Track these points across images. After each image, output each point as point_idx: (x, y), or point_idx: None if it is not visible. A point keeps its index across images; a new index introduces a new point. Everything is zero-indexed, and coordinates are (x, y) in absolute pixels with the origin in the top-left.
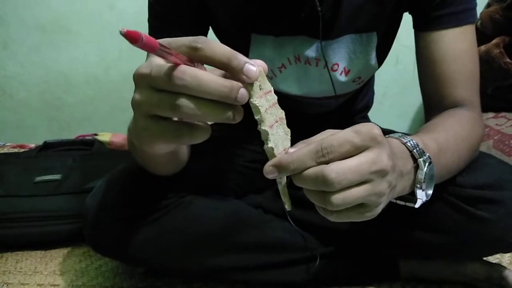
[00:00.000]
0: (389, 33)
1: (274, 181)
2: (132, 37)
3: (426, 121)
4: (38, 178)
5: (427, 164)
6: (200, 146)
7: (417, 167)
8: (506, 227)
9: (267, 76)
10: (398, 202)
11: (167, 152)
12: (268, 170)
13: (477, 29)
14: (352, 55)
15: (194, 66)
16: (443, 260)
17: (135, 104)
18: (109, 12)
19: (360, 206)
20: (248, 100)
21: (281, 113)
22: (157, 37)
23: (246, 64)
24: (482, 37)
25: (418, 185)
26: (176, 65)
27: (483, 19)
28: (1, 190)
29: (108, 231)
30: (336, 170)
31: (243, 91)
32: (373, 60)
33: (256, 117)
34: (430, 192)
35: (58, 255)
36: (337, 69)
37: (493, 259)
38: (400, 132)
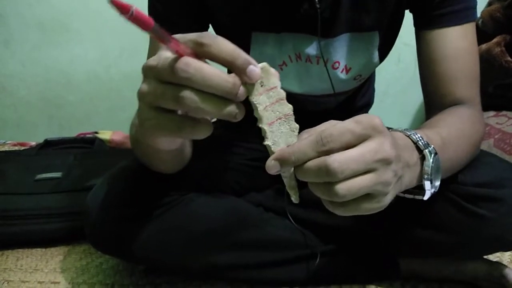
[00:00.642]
0: (391, 32)
1: (274, 180)
2: (121, 8)
3: (426, 119)
4: (39, 176)
5: (432, 155)
6: (201, 144)
7: (422, 158)
8: (507, 225)
9: None
10: (407, 196)
11: (171, 149)
12: (270, 164)
13: (478, 27)
14: (353, 53)
15: None
16: (443, 259)
17: (140, 94)
18: (110, 10)
19: (367, 197)
20: (247, 97)
21: (288, 110)
22: None
23: (250, 66)
24: (483, 36)
25: (426, 176)
26: (177, 53)
27: (484, 17)
28: (1, 188)
29: (111, 230)
30: (339, 159)
31: (242, 88)
32: (375, 58)
33: (255, 114)
34: (437, 183)
35: (58, 252)
36: (338, 67)
37: (493, 257)
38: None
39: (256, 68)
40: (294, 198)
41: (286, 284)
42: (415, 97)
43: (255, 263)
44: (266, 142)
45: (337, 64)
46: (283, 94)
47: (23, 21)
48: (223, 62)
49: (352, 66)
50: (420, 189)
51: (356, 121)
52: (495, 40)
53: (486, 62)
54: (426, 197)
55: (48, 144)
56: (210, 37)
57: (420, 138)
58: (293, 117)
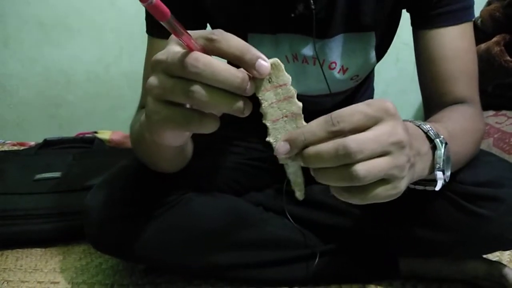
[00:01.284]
0: (388, 31)
1: (274, 179)
2: None
3: (425, 118)
4: (38, 176)
5: (444, 144)
6: (201, 144)
7: (433, 148)
8: (506, 224)
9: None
10: (417, 187)
11: (175, 146)
12: (279, 146)
13: (477, 27)
14: (350, 53)
15: None
16: (443, 258)
17: (148, 87)
18: (110, 9)
19: (383, 182)
20: (255, 93)
21: (297, 109)
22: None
23: (259, 60)
24: (482, 35)
25: (438, 166)
26: (188, 48)
27: (483, 17)
28: (1, 188)
29: (110, 229)
30: (356, 140)
31: (250, 83)
32: (373, 58)
33: (260, 110)
34: (448, 173)
35: (58, 252)
36: (334, 68)
37: (493, 257)
38: None
39: (265, 62)
40: (299, 194)
41: (285, 284)
42: (414, 97)
43: (255, 262)
44: (268, 139)
45: (333, 64)
46: (293, 92)
47: (23, 20)
48: (232, 57)
49: (349, 66)
50: (430, 180)
51: (368, 104)
52: (494, 39)
53: (486, 61)
54: (437, 188)
55: (47, 144)
56: (220, 32)
57: (431, 128)
58: (301, 116)
